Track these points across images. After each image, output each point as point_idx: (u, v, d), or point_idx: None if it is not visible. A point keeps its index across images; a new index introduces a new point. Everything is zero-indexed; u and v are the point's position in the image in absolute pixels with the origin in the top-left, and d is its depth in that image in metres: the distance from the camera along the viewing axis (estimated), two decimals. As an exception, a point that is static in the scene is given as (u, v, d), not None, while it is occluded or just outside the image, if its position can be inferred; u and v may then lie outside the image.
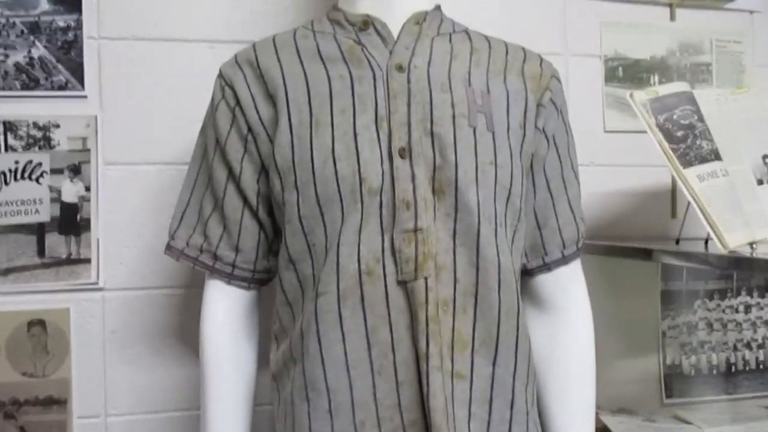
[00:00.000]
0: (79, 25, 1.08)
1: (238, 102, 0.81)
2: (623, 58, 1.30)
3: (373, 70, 0.78)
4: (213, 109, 0.84)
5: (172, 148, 1.11)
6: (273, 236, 0.84)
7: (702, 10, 1.35)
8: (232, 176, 0.82)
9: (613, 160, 1.28)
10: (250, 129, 0.80)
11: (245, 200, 0.82)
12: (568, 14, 1.28)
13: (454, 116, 0.77)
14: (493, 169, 0.77)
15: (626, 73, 1.30)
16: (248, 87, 0.81)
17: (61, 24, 1.08)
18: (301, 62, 0.81)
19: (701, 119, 0.99)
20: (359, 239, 0.73)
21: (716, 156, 0.96)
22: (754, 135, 1.08)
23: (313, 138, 0.76)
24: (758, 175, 1.05)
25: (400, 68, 0.78)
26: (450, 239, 0.74)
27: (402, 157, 0.75)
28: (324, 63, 0.80)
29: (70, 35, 1.08)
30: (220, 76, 0.84)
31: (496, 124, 0.79)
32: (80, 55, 1.08)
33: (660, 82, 1.31)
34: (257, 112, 0.80)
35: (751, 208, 1.01)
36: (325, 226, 0.75)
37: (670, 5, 1.33)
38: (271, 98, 0.80)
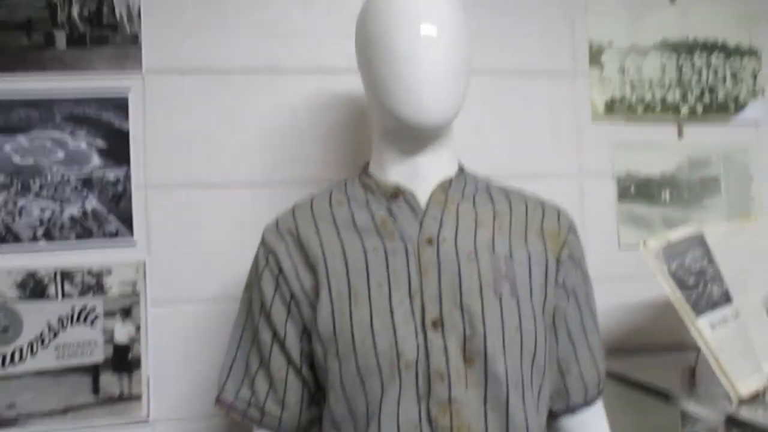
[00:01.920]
0: (127, 177, 1.18)
1: (281, 270, 0.88)
2: (635, 176, 1.37)
3: (405, 242, 0.85)
4: (258, 274, 0.91)
5: (215, 287, 1.19)
6: (315, 389, 0.90)
7: (708, 126, 1.42)
8: (277, 338, 0.89)
9: (629, 273, 1.34)
10: (293, 296, 0.87)
11: (289, 360, 0.88)
12: (582, 139, 1.35)
13: (481, 287, 0.83)
14: (518, 336, 0.83)
15: (638, 190, 1.36)
16: (290, 257, 0.89)
17: (111, 177, 1.17)
18: (338, 233, 0.88)
19: (711, 260, 1.06)
20: (398, 409, 0.79)
21: (727, 298, 1.02)
22: (763, 265, 1.13)
23: (352, 311, 0.83)
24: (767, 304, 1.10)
25: (429, 242, 0.85)
26: (481, 406, 0.81)
27: (435, 329, 0.81)
28: (359, 234, 0.87)
29: (120, 187, 1.17)
30: (263, 243, 0.92)
31: (520, 289, 0.85)
32: (129, 204, 1.17)
33: (671, 197, 1.38)
34: (299, 280, 0.87)
35: (763, 339, 1.06)
36: (366, 395, 0.81)
37: (678, 123, 1.40)
38: (312, 267, 0.87)
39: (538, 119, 1.33)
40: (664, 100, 1.38)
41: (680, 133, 1.40)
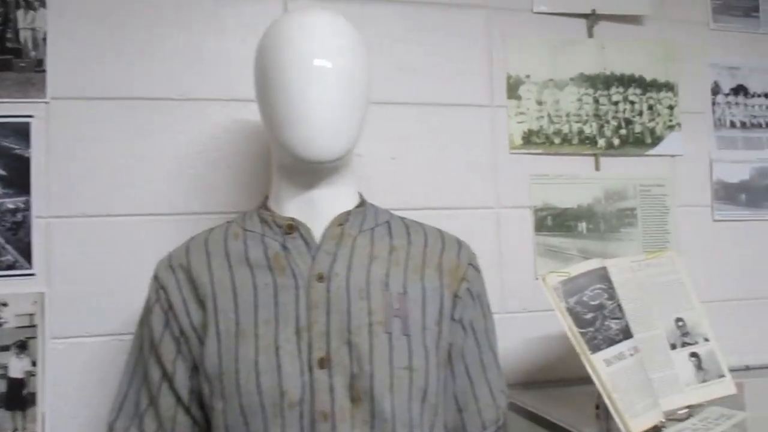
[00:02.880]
0: (27, 206, 1.14)
1: (170, 306, 0.87)
2: (552, 208, 1.37)
3: (296, 278, 0.83)
4: (148, 309, 0.89)
5: (117, 320, 1.16)
6: (206, 428, 0.87)
7: (625, 158, 1.43)
8: (166, 376, 0.86)
9: (546, 305, 1.33)
10: (182, 332, 0.86)
11: (178, 398, 0.86)
12: (499, 170, 1.35)
13: (370, 324, 0.82)
14: (407, 374, 0.82)
15: (555, 221, 1.37)
16: (180, 292, 0.87)
17: (10, 206, 1.14)
18: (230, 268, 0.86)
19: (612, 296, 1.06)
20: None
21: (625, 335, 1.03)
22: (667, 299, 1.14)
23: (238, 349, 0.81)
24: (671, 339, 1.11)
25: (320, 278, 0.84)
26: (369, 446, 0.79)
27: (321, 367, 0.80)
28: (252, 269, 0.85)
29: (19, 216, 1.14)
30: (155, 278, 0.90)
31: (412, 326, 0.84)
32: (28, 235, 1.14)
33: (587, 229, 1.39)
34: (188, 316, 0.86)
35: (663, 374, 1.07)
36: None
37: (595, 156, 1.41)
38: (202, 303, 0.85)
39: (456, 151, 1.33)
40: (581, 133, 1.40)
41: (597, 166, 1.41)
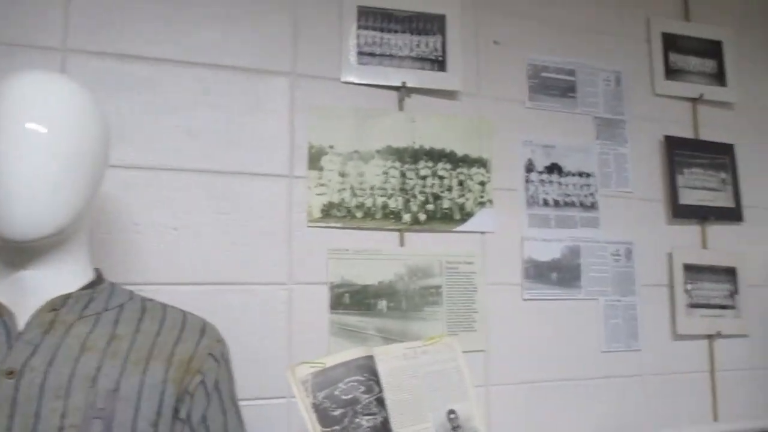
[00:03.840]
0: None
1: None
2: (350, 285, 1.31)
3: None
4: None
5: None
6: None
7: (431, 234, 1.39)
8: None
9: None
10: None
11: None
12: (294, 244, 1.28)
13: (61, 428, 0.72)
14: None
15: (353, 299, 1.30)
16: None
17: None
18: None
19: (370, 389, 0.99)
20: None
21: (384, 429, 0.95)
22: (442, 388, 1.08)
23: None
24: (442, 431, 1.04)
25: (10, 373, 0.73)
26: None
27: None
28: None
29: None
30: None
31: (116, 428, 0.74)
32: None
33: (388, 307, 1.32)
34: None
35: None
36: None
37: (399, 231, 1.37)
38: None
39: (248, 223, 1.26)
40: (385, 207, 1.35)
41: (402, 241, 1.36)
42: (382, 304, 1.33)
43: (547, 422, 1.44)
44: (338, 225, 1.32)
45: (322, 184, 1.32)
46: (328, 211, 1.32)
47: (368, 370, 1.02)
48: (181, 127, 1.25)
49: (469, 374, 1.12)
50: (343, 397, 0.97)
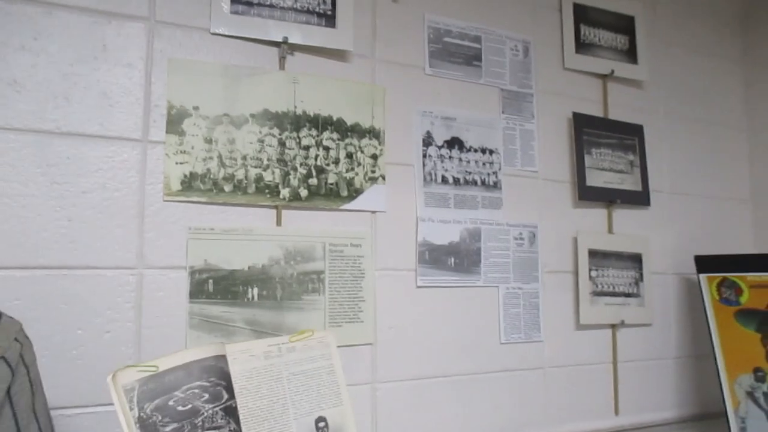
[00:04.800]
0: None
1: None
2: (215, 270, 1.11)
3: None
4: None
5: None
6: None
7: (314, 212, 1.21)
8: None
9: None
10: None
11: None
12: (147, 222, 1.07)
13: None
14: None
15: (218, 286, 1.11)
16: None
17: None
18: None
19: (217, 397, 0.81)
20: None
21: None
22: (311, 393, 0.91)
23: None
24: (306, 443, 0.87)
25: None
26: None
27: None
28: None
29: None
30: None
31: None
32: None
33: (260, 296, 1.14)
34: None
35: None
36: None
37: (276, 208, 1.18)
38: None
39: (88, 196, 1.04)
40: (260, 180, 1.16)
41: (279, 220, 1.18)
42: (253, 291, 1.15)
43: (441, 421, 1.30)
44: (202, 200, 1.12)
45: (184, 152, 1.12)
46: (189, 183, 1.11)
47: (217, 372, 0.84)
48: (3, 79, 1.01)
49: (343, 375, 0.95)
50: (180, 408, 0.79)
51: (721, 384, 1.47)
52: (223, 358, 0.84)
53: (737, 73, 1.90)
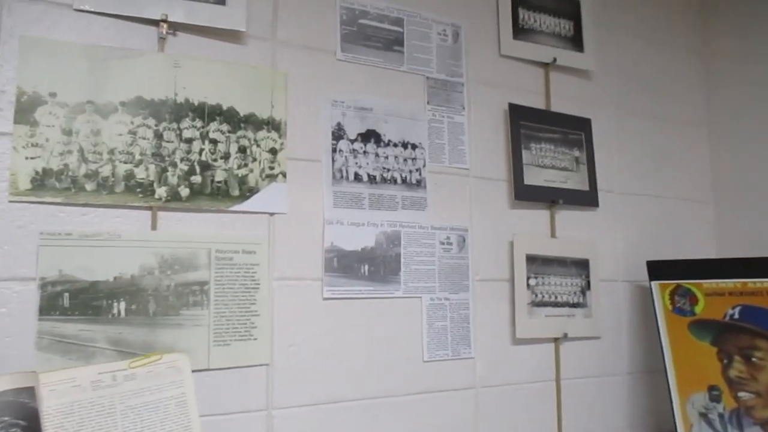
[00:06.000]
0: None
1: None
2: (72, 281, 0.95)
3: None
4: None
5: None
6: None
7: (197, 214, 1.05)
8: None
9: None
10: None
11: None
12: (-17, 224, 0.90)
13: None
14: None
15: (75, 301, 0.95)
16: None
17: None
18: None
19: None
20: None
21: None
22: (153, 428, 0.74)
23: None
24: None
25: None
26: None
27: None
28: None
29: None
30: None
31: None
32: None
33: (129, 311, 0.97)
34: None
35: None
36: None
37: (151, 209, 1.02)
38: None
39: None
40: (131, 177, 1.00)
41: (154, 223, 1.01)
42: (120, 306, 0.99)
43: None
44: (57, 200, 0.96)
45: (36, 145, 0.96)
46: (42, 181, 0.95)
47: (19, 409, 0.66)
48: None
49: (195, 406, 0.78)
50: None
51: (672, 404, 1.31)
52: (27, 390, 0.67)
53: (697, 64, 1.76)
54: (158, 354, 0.82)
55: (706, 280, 1.40)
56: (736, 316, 1.35)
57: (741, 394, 1.28)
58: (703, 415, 1.29)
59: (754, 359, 1.30)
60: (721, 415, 1.28)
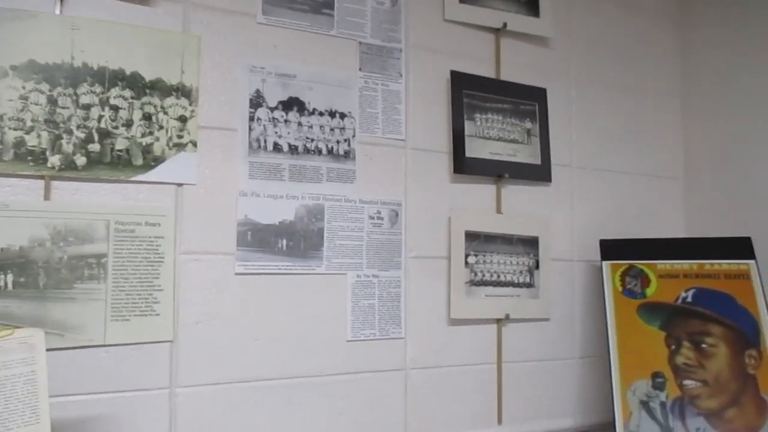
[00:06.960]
0: None
1: None
2: (-46, 252, 0.91)
3: None
4: None
5: None
6: None
7: (95, 184, 1.00)
8: None
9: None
10: None
11: None
12: None
13: None
14: None
15: (-42, 272, 0.91)
16: None
17: None
18: None
19: None
20: None
21: None
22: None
23: None
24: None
25: None
26: None
27: None
28: None
29: None
30: None
31: None
32: None
33: (17, 284, 0.94)
34: None
35: None
36: None
37: (44, 178, 0.97)
38: None
39: None
40: (21, 145, 0.96)
41: (47, 193, 0.97)
42: (6, 279, 0.95)
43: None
44: (-61, 167, 0.92)
45: None
46: None
47: None
48: None
49: (46, 385, 0.74)
50: None
51: (612, 391, 1.23)
52: None
53: (673, 31, 1.65)
54: (11, 328, 0.78)
55: (661, 261, 1.31)
56: (689, 299, 1.27)
57: (686, 382, 1.20)
58: (644, 404, 1.22)
59: (703, 345, 1.22)
60: (663, 404, 1.20)
